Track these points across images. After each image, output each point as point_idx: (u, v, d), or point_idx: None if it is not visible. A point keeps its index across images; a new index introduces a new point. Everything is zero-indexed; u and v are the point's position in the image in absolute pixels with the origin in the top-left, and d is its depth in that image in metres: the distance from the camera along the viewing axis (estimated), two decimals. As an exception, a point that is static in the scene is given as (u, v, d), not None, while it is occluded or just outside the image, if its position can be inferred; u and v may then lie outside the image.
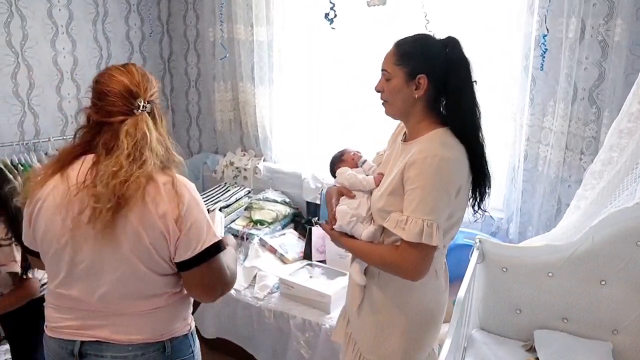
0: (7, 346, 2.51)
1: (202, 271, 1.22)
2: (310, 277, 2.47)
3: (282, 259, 2.65)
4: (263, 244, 2.71)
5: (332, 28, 2.14)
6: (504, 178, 2.55)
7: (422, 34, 1.37)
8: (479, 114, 1.34)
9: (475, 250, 1.91)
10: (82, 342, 1.25)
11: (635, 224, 1.66)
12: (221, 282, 1.27)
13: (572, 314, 1.85)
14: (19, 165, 2.57)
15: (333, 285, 2.34)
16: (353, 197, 1.50)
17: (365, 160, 1.64)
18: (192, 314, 1.41)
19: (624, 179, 1.36)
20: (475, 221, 1.54)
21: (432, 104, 1.34)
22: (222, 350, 2.62)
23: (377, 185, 1.45)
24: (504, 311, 1.96)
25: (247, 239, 2.78)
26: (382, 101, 1.40)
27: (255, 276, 2.53)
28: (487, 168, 1.37)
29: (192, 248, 1.20)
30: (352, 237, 1.47)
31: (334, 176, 1.65)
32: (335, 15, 2.08)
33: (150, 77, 1.30)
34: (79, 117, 3.14)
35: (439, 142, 1.28)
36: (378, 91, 1.39)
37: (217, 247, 1.24)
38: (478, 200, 1.41)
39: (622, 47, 2.03)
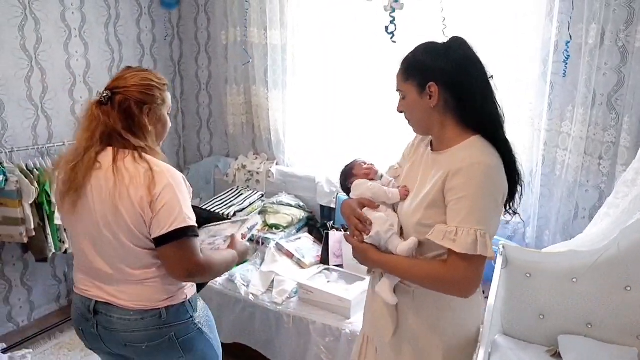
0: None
1: (169, 249, 1.37)
2: (328, 281, 2.47)
3: (300, 264, 2.65)
4: (280, 248, 2.71)
5: (394, 42, 2.11)
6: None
7: (424, 43, 1.32)
8: (502, 114, 1.31)
9: (499, 256, 1.91)
10: (97, 302, 1.45)
11: (662, 230, 1.67)
12: (188, 265, 1.39)
13: (596, 320, 1.86)
14: (35, 169, 2.55)
15: (352, 290, 2.34)
16: (377, 207, 1.42)
17: (382, 175, 1.55)
18: None
19: (657, 187, 1.36)
20: (507, 223, 1.53)
21: (454, 111, 1.28)
22: (240, 355, 2.62)
23: (403, 199, 1.40)
24: (528, 316, 1.96)
25: (262, 243, 2.78)
26: (407, 121, 1.38)
27: (273, 281, 2.53)
28: (519, 170, 1.34)
29: (161, 227, 1.36)
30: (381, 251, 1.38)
31: (345, 190, 1.58)
32: (396, 29, 2.07)
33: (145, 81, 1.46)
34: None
35: (480, 149, 1.23)
36: (400, 112, 1.38)
37: (185, 231, 1.37)
38: (510, 202, 1.36)
39: (643, 54, 2.04)
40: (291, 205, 3.03)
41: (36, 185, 2.49)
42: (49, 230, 2.60)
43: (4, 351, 2.64)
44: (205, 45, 3.55)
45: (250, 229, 1.92)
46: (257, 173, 3.33)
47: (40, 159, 2.63)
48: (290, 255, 2.67)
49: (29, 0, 2.70)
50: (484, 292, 1.52)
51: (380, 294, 1.41)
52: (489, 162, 1.21)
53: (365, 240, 1.38)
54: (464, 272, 1.20)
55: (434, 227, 1.25)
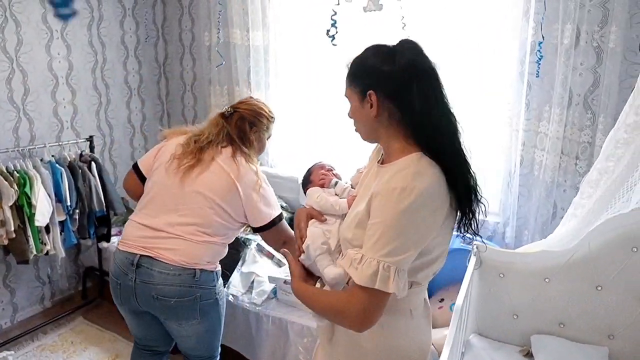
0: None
1: (270, 234, 1.89)
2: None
3: (280, 264, 2.65)
4: (260, 249, 2.70)
5: (334, 45, 2.10)
6: (500, 183, 2.56)
7: (370, 46, 1.19)
8: (455, 128, 1.14)
9: (473, 256, 1.92)
10: (141, 256, 1.72)
11: (631, 230, 1.68)
12: (285, 239, 1.88)
13: (568, 319, 1.87)
14: (15, 172, 2.55)
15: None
16: (324, 220, 1.34)
17: (337, 182, 1.47)
18: None
19: (620, 188, 1.36)
20: (467, 243, 1.40)
21: (399, 122, 1.14)
22: (222, 356, 2.62)
23: None
24: (501, 316, 1.97)
25: (244, 244, 2.78)
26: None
27: (253, 282, 2.53)
28: (475, 190, 1.15)
29: (262, 220, 1.85)
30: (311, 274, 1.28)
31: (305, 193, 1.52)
32: (337, 32, 2.05)
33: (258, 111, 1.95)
34: (74, 123, 3.14)
35: (413, 171, 1.08)
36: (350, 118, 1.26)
37: (276, 219, 1.86)
38: (465, 222, 1.17)
39: (617, 53, 2.05)
40: (274, 206, 3.03)
41: (16, 188, 2.49)
42: (29, 232, 2.59)
43: (-14, 353, 2.65)
44: (189, 47, 3.56)
45: None
46: (242, 174, 3.33)
47: (21, 160, 2.62)
48: (270, 256, 2.68)
49: (9, 2, 2.70)
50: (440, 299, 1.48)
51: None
52: (415, 186, 1.05)
53: (302, 261, 1.30)
54: (358, 305, 1.07)
55: (347, 252, 1.15)
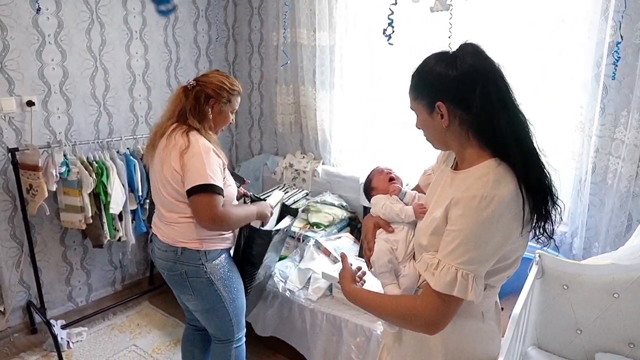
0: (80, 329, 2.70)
1: (195, 200, 1.80)
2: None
3: (336, 261, 2.67)
4: (318, 246, 2.74)
5: (390, 44, 2.10)
6: (569, 190, 2.44)
7: (430, 55, 1.17)
8: (526, 128, 1.11)
9: (535, 265, 1.84)
10: (153, 234, 1.99)
11: None
12: (210, 213, 1.79)
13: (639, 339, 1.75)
14: (94, 162, 2.74)
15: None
16: (391, 231, 1.32)
17: (405, 193, 1.42)
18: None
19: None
20: (542, 247, 1.34)
21: (472, 128, 1.12)
22: (276, 348, 2.70)
23: (419, 217, 1.27)
24: (564, 330, 1.88)
25: (302, 240, 2.83)
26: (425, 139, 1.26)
27: (309, 278, 2.57)
28: (549, 190, 1.11)
29: (190, 182, 1.79)
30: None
31: (367, 199, 1.51)
32: (393, 32, 2.04)
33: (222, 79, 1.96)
34: (148, 118, 3.32)
35: (492, 179, 1.05)
36: (419, 129, 1.25)
37: (207, 187, 1.77)
38: (539, 224, 1.12)
39: None
40: (334, 205, 3.06)
41: (94, 177, 2.68)
42: (104, 219, 2.79)
43: (63, 327, 2.87)
44: (258, 46, 3.66)
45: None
46: (304, 172, 3.39)
47: (100, 152, 2.82)
48: (327, 254, 2.70)
49: (96, 6, 2.91)
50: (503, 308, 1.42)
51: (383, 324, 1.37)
52: (496, 195, 1.03)
53: (370, 271, 1.34)
54: (433, 310, 1.08)
55: (422, 256, 1.15)
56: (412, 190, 1.48)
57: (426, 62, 1.16)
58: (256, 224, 2.12)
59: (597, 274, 1.78)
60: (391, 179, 1.50)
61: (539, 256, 1.87)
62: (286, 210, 2.39)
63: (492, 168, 1.08)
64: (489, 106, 1.07)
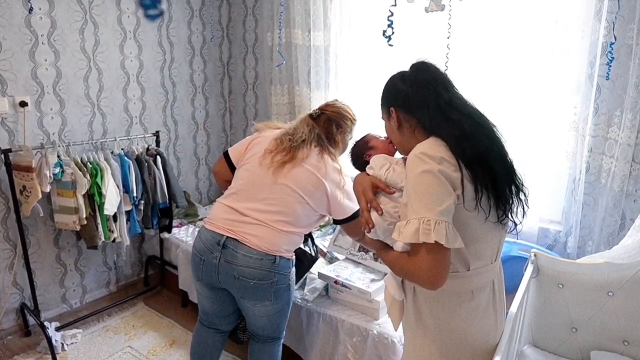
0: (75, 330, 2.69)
1: (349, 225, 2.02)
2: (352, 274, 2.47)
3: (331, 262, 2.67)
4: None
5: (390, 45, 2.11)
6: (563, 190, 2.46)
7: (395, 73, 1.41)
8: (466, 119, 1.27)
9: (530, 264, 1.86)
10: (227, 237, 1.88)
11: None
12: (359, 231, 1.93)
13: (634, 337, 1.76)
14: (88, 163, 2.73)
15: (383, 290, 2.33)
16: (392, 193, 1.34)
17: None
18: None
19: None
20: (511, 231, 1.41)
21: (416, 129, 1.33)
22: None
23: None
24: (559, 329, 1.89)
25: (298, 241, 2.83)
26: None
27: (305, 278, 2.57)
28: (501, 175, 1.26)
29: (345, 213, 1.99)
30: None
31: (359, 166, 1.58)
32: (393, 33, 2.05)
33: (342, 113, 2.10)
34: (142, 118, 3.31)
35: (428, 144, 1.24)
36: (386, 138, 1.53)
37: (356, 213, 1.95)
38: (504, 207, 1.27)
39: (698, 56, 1.91)
40: (329, 205, 3.06)
41: (88, 178, 2.66)
42: (99, 220, 2.77)
43: (58, 329, 2.85)
44: (252, 47, 3.66)
45: None
46: (299, 172, 3.39)
47: (94, 153, 2.80)
48: (323, 254, 2.71)
49: (89, 6, 2.89)
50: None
51: (388, 288, 1.44)
52: (428, 152, 1.20)
53: (369, 236, 1.39)
54: (422, 263, 1.16)
55: (396, 224, 1.26)
56: None
57: (390, 78, 1.41)
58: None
59: (592, 272, 1.79)
60: (391, 143, 1.53)
61: (535, 255, 1.88)
62: None
63: (431, 139, 1.26)
64: (425, 108, 1.29)
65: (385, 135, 1.58)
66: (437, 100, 1.28)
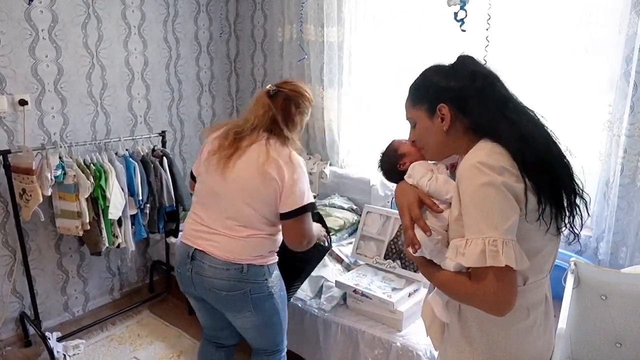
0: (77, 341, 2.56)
1: (293, 223, 1.71)
2: (372, 282, 2.33)
3: (349, 269, 2.54)
4: (330, 252, 2.61)
5: (463, 30, 1.97)
6: (594, 192, 2.33)
7: (428, 67, 1.25)
8: (526, 119, 1.14)
9: (570, 274, 1.73)
10: (195, 249, 1.76)
11: None
12: (305, 235, 1.74)
13: (684, 353, 1.64)
14: (91, 164, 2.59)
15: (404, 299, 2.20)
16: (440, 212, 1.19)
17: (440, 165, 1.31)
18: None
19: None
20: (569, 243, 1.30)
21: (472, 128, 1.17)
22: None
23: None
24: (602, 343, 1.76)
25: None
26: (422, 150, 1.31)
27: (322, 286, 2.44)
28: (565, 182, 1.14)
29: (290, 205, 1.70)
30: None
31: (393, 177, 1.38)
32: (466, 15, 1.90)
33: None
34: (147, 117, 3.17)
35: (486, 151, 1.09)
36: (412, 142, 1.31)
37: (306, 207, 1.70)
38: (566, 217, 1.15)
39: None
40: (343, 208, 2.94)
41: (92, 180, 2.52)
42: (103, 225, 2.63)
43: (59, 340, 2.71)
44: (261, 43, 3.52)
45: None
46: (310, 174, 3.25)
47: (97, 154, 2.67)
48: (340, 260, 2.57)
49: (92, 0, 2.75)
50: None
51: (434, 309, 1.29)
52: (479, 157, 1.07)
53: (411, 253, 1.23)
54: (488, 288, 1.04)
55: (450, 243, 1.13)
56: None
57: (425, 73, 1.24)
58: None
59: (639, 283, 1.66)
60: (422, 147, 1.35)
61: (574, 264, 1.75)
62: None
63: (486, 144, 1.11)
64: (485, 104, 1.13)
65: (407, 138, 1.39)
66: (495, 96, 1.14)
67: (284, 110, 1.76)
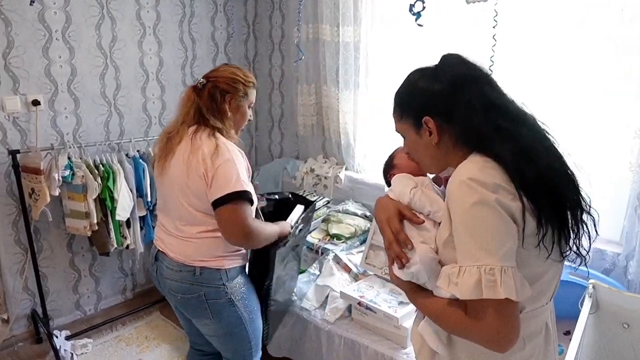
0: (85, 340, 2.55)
1: (224, 211, 1.57)
2: (378, 294, 2.21)
3: (357, 279, 2.43)
4: (337, 261, 2.51)
5: (419, 25, 1.82)
6: (624, 206, 2.14)
7: (411, 72, 1.12)
8: (525, 128, 1.00)
9: (588, 298, 1.57)
10: (158, 250, 1.76)
11: None
12: (241, 226, 1.57)
13: None
14: (100, 165, 2.58)
15: (413, 315, 2.08)
16: (421, 222, 1.09)
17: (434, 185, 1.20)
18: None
19: None
20: (576, 268, 1.14)
21: (461, 139, 1.04)
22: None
23: None
24: (622, 376, 1.60)
25: (322, 253, 2.61)
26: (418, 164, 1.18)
27: (327, 296, 2.34)
28: (568, 199, 1.00)
29: (219, 191, 1.56)
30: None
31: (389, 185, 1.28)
32: (423, 8, 1.76)
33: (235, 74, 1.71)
34: (162, 119, 3.15)
35: (478, 165, 0.97)
36: (407, 153, 1.20)
37: (240, 194, 1.55)
38: (571, 238, 1.02)
39: None
40: (356, 215, 2.83)
41: (99, 181, 2.52)
42: (111, 226, 2.62)
43: (68, 338, 2.72)
44: (279, 44, 3.45)
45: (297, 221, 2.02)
46: (325, 178, 3.17)
47: (109, 154, 2.66)
48: (348, 270, 2.47)
49: (106, 0, 2.75)
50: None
51: (425, 338, 1.15)
52: (469, 172, 0.95)
53: (397, 275, 1.10)
54: (488, 323, 0.92)
55: (442, 270, 1.01)
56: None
57: (408, 79, 1.12)
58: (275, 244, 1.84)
59: (665, 311, 1.49)
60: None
61: (593, 287, 1.59)
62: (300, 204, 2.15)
63: (478, 157, 1.00)
64: (473, 113, 1.01)
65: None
66: (484, 102, 1.01)
67: (209, 101, 1.68)
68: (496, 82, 1.07)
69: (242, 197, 1.57)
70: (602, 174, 2.15)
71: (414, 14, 1.69)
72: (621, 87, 2.05)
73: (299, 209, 2.12)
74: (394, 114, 1.15)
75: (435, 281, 1.05)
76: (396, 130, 1.16)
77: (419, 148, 1.11)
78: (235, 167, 1.58)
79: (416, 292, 1.10)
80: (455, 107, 1.02)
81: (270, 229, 1.76)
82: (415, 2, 1.63)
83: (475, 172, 0.95)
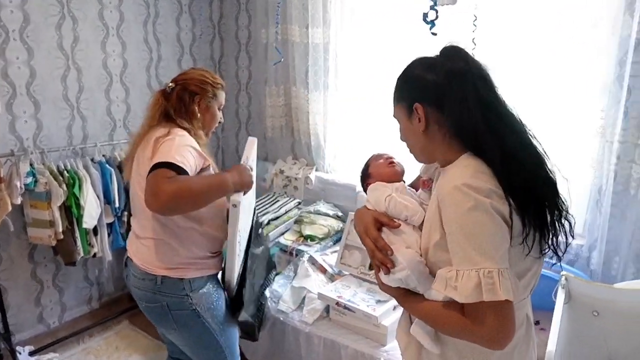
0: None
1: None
2: (355, 294, 2.23)
3: (333, 279, 2.45)
4: (313, 262, 2.52)
5: (433, 34, 1.85)
6: (586, 200, 2.25)
7: (413, 60, 1.14)
8: (514, 130, 1.04)
9: (561, 289, 1.65)
10: (127, 256, 1.72)
11: None
12: (156, 191, 1.36)
13: (680, 372, 1.56)
14: (65, 171, 2.48)
15: (388, 312, 2.11)
16: (397, 226, 1.13)
17: (411, 189, 1.24)
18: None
19: None
20: (552, 265, 1.19)
21: (448, 132, 1.07)
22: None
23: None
24: (594, 361, 1.69)
25: (296, 255, 2.60)
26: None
27: (304, 298, 2.35)
28: (547, 202, 1.04)
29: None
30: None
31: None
32: (437, 17, 1.78)
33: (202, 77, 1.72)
34: (127, 122, 3.07)
35: (472, 169, 1.00)
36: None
37: (165, 164, 1.41)
38: (549, 238, 1.05)
39: None
40: (328, 215, 2.84)
41: (65, 188, 2.42)
42: (77, 234, 2.53)
43: (32, 354, 2.60)
44: (246, 45, 3.43)
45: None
46: (296, 179, 3.17)
47: (73, 160, 2.56)
48: (323, 271, 2.48)
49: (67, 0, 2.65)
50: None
51: (420, 340, 1.17)
52: (462, 177, 0.98)
53: (385, 282, 1.13)
54: (487, 323, 0.95)
55: (437, 273, 1.03)
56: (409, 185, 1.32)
57: (409, 65, 1.14)
58: (238, 196, 1.55)
59: (632, 299, 1.58)
60: (391, 164, 1.32)
61: (566, 279, 1.67)
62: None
63: (470, 160, 1.03)
64: (465, 107, 1.02)
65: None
66: (476, 99, 1.02)
67: (178, 102, 1.66)
68: (492, 80, 1.08)
69: (166, 165, 1.41)
70: (565, 171, 2.25)
71: (427, 23, 1.70)
72: (583, 88, 2.16)
73: (251, 142, 1.96)
74: (393, 99, 1.18)
75: (425, 284, 1.08)
76: (393, 116, 1.19)
77: (409, 134, 1.15)
78: (175, 144, 1.48)
79: (406, 296, 1.13)
80: (445, 99, 1.04)
81: (209, 180, 1.55)
82: (428, 12, 1.65)
83: (469, 178, 0.98)
